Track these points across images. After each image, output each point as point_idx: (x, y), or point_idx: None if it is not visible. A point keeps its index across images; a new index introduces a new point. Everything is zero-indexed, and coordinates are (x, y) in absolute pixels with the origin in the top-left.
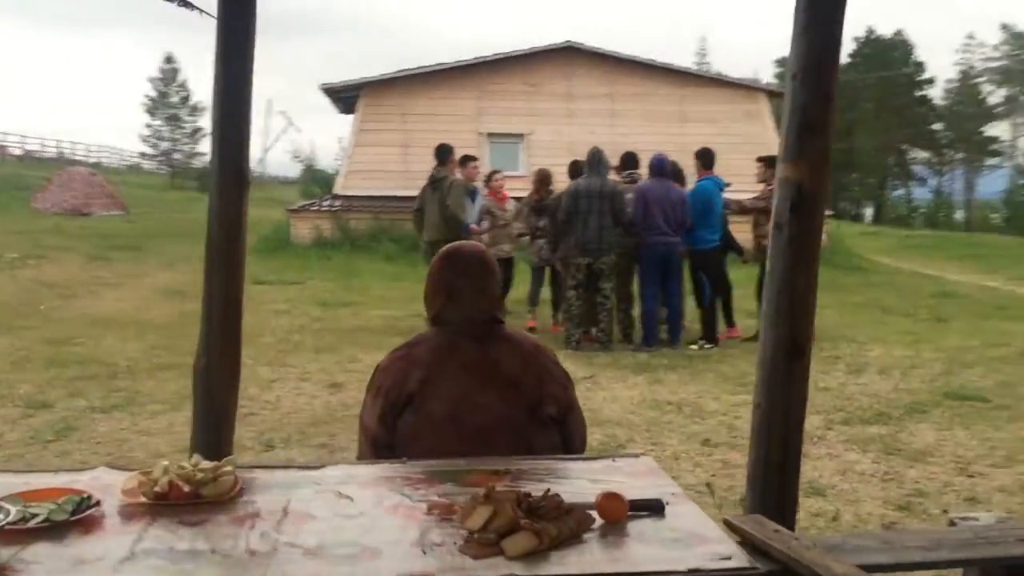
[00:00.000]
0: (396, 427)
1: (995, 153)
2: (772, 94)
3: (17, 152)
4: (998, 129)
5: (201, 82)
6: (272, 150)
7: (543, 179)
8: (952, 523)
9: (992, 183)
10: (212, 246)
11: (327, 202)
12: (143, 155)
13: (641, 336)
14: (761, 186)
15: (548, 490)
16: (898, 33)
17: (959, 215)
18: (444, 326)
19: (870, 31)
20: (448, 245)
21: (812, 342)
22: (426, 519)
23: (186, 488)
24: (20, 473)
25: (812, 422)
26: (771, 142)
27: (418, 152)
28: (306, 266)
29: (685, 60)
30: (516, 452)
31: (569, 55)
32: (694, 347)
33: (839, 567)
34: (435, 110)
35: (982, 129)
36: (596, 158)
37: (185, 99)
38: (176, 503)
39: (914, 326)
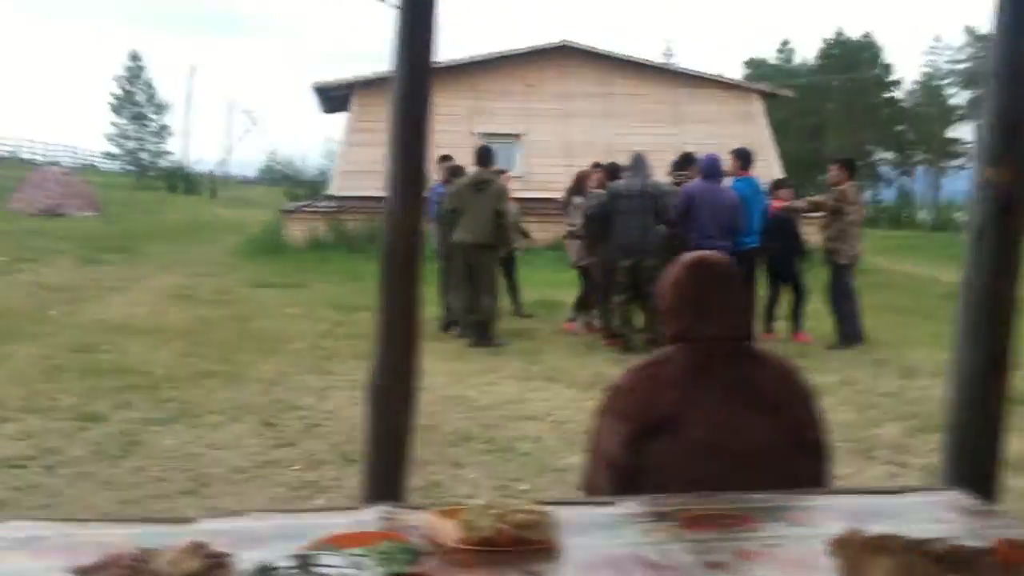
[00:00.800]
0: (644, 453)
1: (957, 155)
2: (765, 95)
3: None
4: (961, 131)
5: (166, 79)
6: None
7: (577, 180)
8: None
9: (955, 183)
10: (391, 257)
11: (322, 203)
12: (108, 154)
13: None
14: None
15: (943, 537)
16: (866, 35)
17: (922, 215)
18: (690, 343)
19: (839, 33)
20: (692, 255)
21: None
22: (803, 570)
23: (514, 533)
24: (291, 513)
25: (891, 431)
26: (766, 143)
27: None
28: (304, 268)
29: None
30: (781, 481)
31: (565, 55)
32: None
33: None
34: None
35: (946, 131)
36: (639, 160)
37: (151, 97)
38: (504, 550)
39: (939, 327)
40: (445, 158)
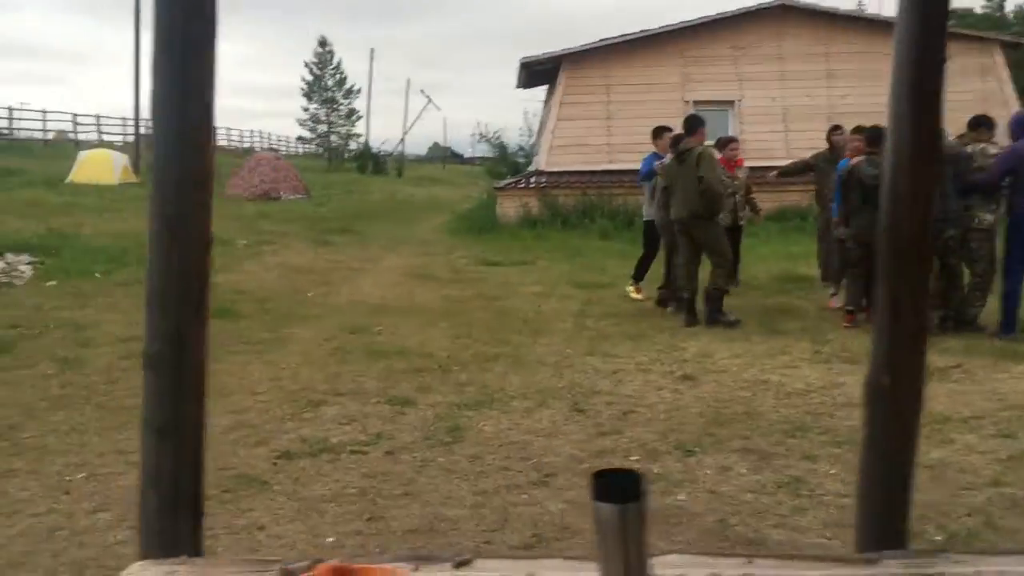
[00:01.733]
0: None
1: None
2: (1009, 45)
3: None
4: None
5: (350, 64)
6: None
7: (832, 146)
8: None
9: None
10: (895, 237)
11: (533, 179)
12: (301, 139)
13: (999, 322)
14: None
15: None
16: None
17: None
18: None
19: None
20: None
21: None
22: None
23: None
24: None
25: None
26: (1009, 99)
27: (622, 124)
28: (523, 246)
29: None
30: None
31: (780, 15)
32: None
33: None
34: (639, 80)
35: None
36: None
37: (340, 82)
38: None
39: None
40: (662, 129)
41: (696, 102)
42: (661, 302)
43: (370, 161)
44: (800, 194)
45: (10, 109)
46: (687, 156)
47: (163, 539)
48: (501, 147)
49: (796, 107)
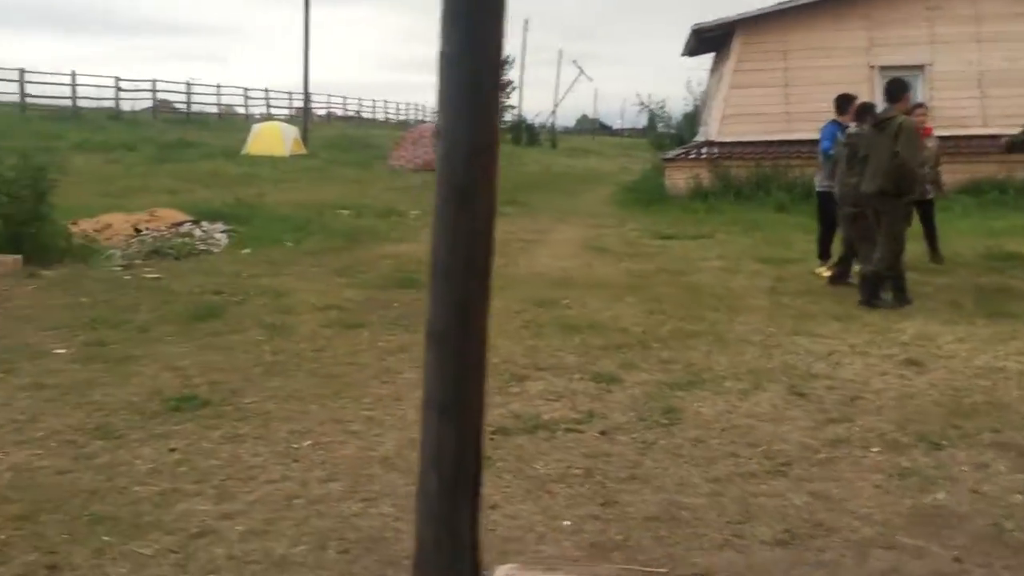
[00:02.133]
0: None
1: None
2: None
3: (321, 113)
4: None
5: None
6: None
7: None
8: None
9: None
10: None
11: (704, 150)
12: None
13: None
14: None
15: None
16: None
17: None
18: None
19: None
20: None
21: None
22: None
23: None
24: None
25: None
26: None
27: (800, 92)
28: (696, 219)
29: None
30: None
31: None
32: None
33: None
34: (819, 44)
35: None
36: None
37: None
38: None
39: None
40: (847, 97)
41: (882, 67)
42: (834, 279)
43: (524, 133)
44: (996, 165)
45: (188, 84)
46: (887, 125)
47: (442, 523)
48: (652, 117)
49: (994, 72)
